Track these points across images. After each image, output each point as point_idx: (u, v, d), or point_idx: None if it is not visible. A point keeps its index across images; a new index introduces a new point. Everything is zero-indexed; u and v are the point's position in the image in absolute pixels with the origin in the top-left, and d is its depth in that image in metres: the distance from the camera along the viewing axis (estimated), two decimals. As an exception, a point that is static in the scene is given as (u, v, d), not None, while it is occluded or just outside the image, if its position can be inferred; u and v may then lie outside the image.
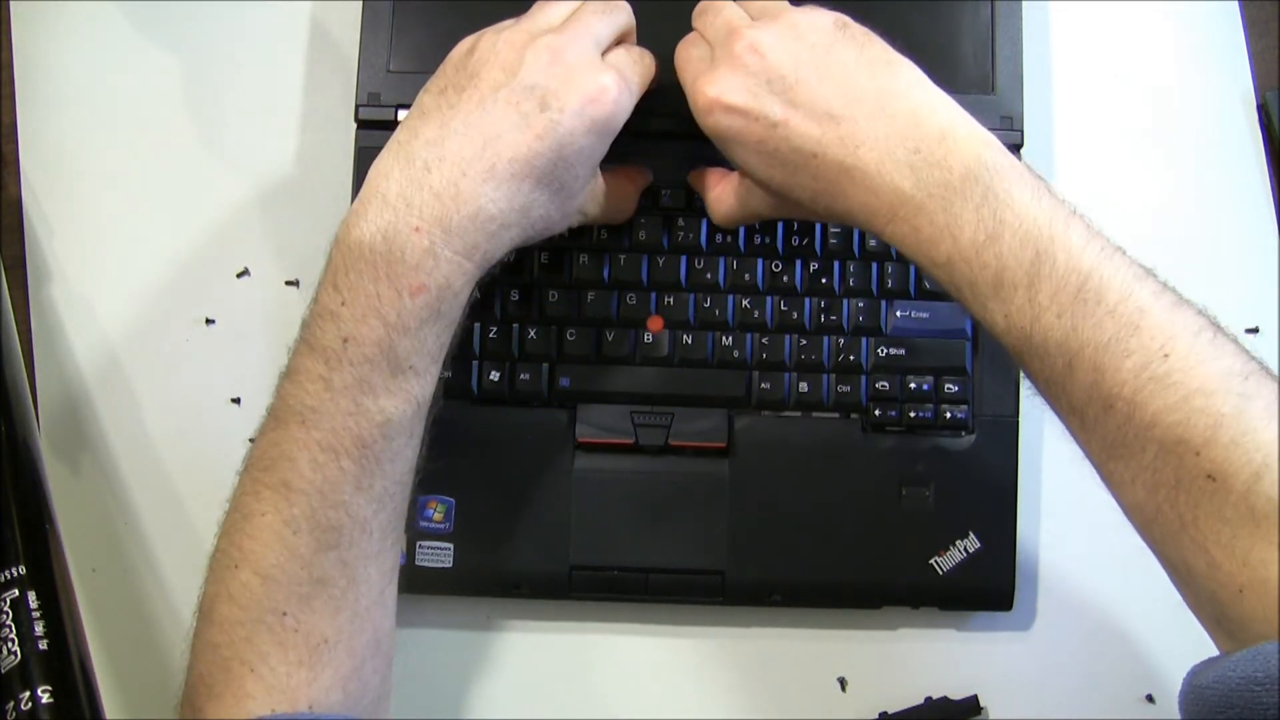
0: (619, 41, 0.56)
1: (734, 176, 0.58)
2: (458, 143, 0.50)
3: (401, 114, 0.63)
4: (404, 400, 0.50)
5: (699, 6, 0.57)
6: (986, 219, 0.48)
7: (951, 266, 0.49)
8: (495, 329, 0.63)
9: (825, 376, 0.63)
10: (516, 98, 0.50)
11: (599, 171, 0.55)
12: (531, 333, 0.63)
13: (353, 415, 0.49)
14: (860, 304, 0.63)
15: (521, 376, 0.62)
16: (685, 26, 0.58)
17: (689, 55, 0.56)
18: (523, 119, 0.50)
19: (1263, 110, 0.69)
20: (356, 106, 0.64)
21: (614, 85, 0.51)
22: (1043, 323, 0.47)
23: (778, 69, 0.51)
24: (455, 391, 0.62)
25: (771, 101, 0.51)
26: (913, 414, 0.62)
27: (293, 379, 0.50)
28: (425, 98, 0.52)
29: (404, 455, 0.51)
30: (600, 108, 0.51)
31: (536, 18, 0.54)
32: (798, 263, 0.63)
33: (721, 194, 0.59)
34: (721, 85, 0.52)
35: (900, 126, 0.50)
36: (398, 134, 0.51)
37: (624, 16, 0.56)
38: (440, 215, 0.49)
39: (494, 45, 0.52)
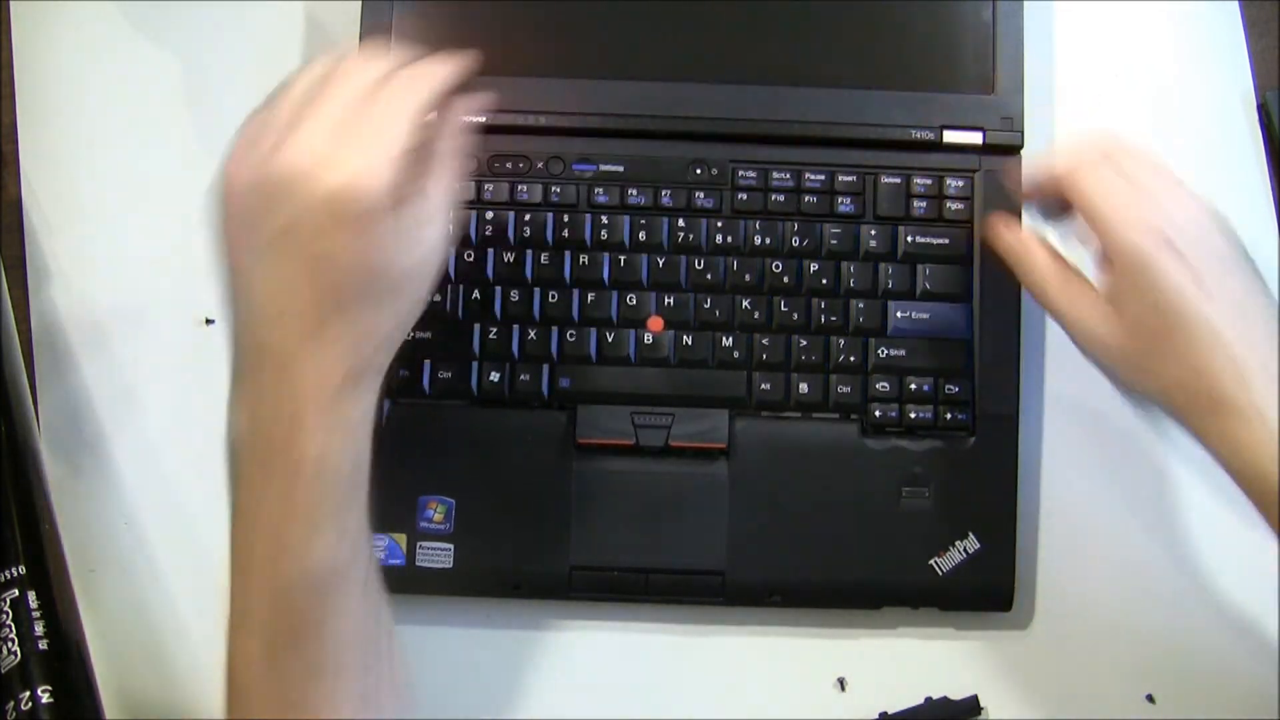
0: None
1: (1095, 295, 0.56)
2: (261, 319, 0.49)
3: (401, 114, 0.64)
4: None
5: (1102, 143, 0.56)
6: None
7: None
8: (495, 330, 0.63)
9: (825, 377, 0.63)
10: (280, 252, 0.48)
11: (407, 211, 0.49)
12: (531, 334, 0.63)
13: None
14: (860, 304, 0.63)
15: (521, 377, 0.62)
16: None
17: (1110, 180, 0.54)
18: (297, 272, 0.48)
19: (1263, 110, 0.69)
20: (356, 106, 0.64)
21: (352, 171, 0.47)
22: None
23: (1217, 250, 0.53)
24: (455, 392, 0.62)
25: (1201, 265, 0.52)
26: (913, 415, 0.62)
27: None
28: (224, 281, 0.51)
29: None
30: (353, 209, 0.47)
31: (262, 123, 0.50)
32: (798, 263, 0.63)
33: (1089, 310, 0.56)
34: (1172, 228, 0.52)
35: (1264, 332, 0.52)
36: (230, 332, 0.51)
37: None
38: (286, 391, 0.49)
39: (240, 201, 0.49)
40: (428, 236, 0.50)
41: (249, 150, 0.49)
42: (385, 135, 0.48)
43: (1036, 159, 0.60)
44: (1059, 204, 0.57)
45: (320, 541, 0.48)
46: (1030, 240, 0.59)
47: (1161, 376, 0.53)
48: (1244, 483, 0.52)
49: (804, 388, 0.63)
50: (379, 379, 0.50)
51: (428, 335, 0.62)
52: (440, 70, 0.52)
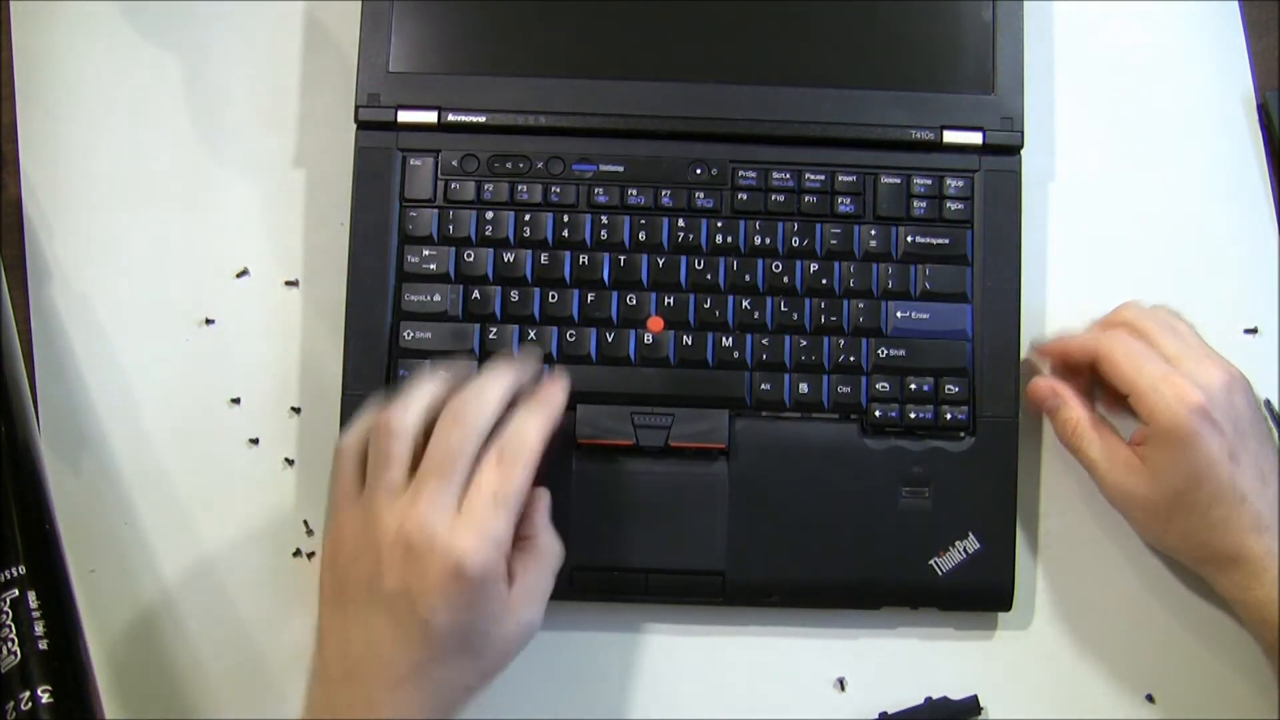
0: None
1: (1128, 451, 0.59)
2: (356, 657, 0.53)
3: (402, 115, 0.64)
4: None
5: (1128, 315, 0.61)
6: None
7: None
8: (495, 329, 0.63)
9: (825, 378, 0.63)
10: (387, 608, 0.52)
11: (509, 589, 0.54)
12: (531, 334, 0.63)
13: None
14: (860, 305, 0.63)
15: (521, 377, 0.62)
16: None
17: (1142, 355, 0.58)
18: (399, 628, 0.52)
19: (1263, 110, 0.69)
20: (356, 107, 0.64)
21: (469, 555, 0.51)
22: None
23: (1243, 416, 0.57)
24: (455, 392, 0.62)
25: (1231, 434, 0.56)
26: (913, 415, 0.62)
27: None
28: (323, 609, 0.55)
29: None
30: (464, 585, 0.52)
31: (380, 484, 0.54)
32: (798, 264, 0.63)
33: (1121, 464, 0.59)
34: (1209, 396, 0.56)
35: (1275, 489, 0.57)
36: (316, 646, 0.55)
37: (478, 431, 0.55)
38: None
39: (354, 549, 0.54)
40: (525, 616, 0.55)
41: (363, 498, 0.54)
42: (498, 515, 0.53)
43: (1067, 334, 0.63)
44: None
45: None
46: (1067, 394, 0.62)
47: (1184, 530, 0.58)
48: (1255, 629, 0.58)
49: (804, 388, 0.63)
50: (454, 715, 0.54)
51: (428, 335, 0.62)
52: (543, 412, 0.56)
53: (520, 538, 0.56)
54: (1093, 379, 0.63)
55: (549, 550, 0.57)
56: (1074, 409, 0.61)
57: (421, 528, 0.52)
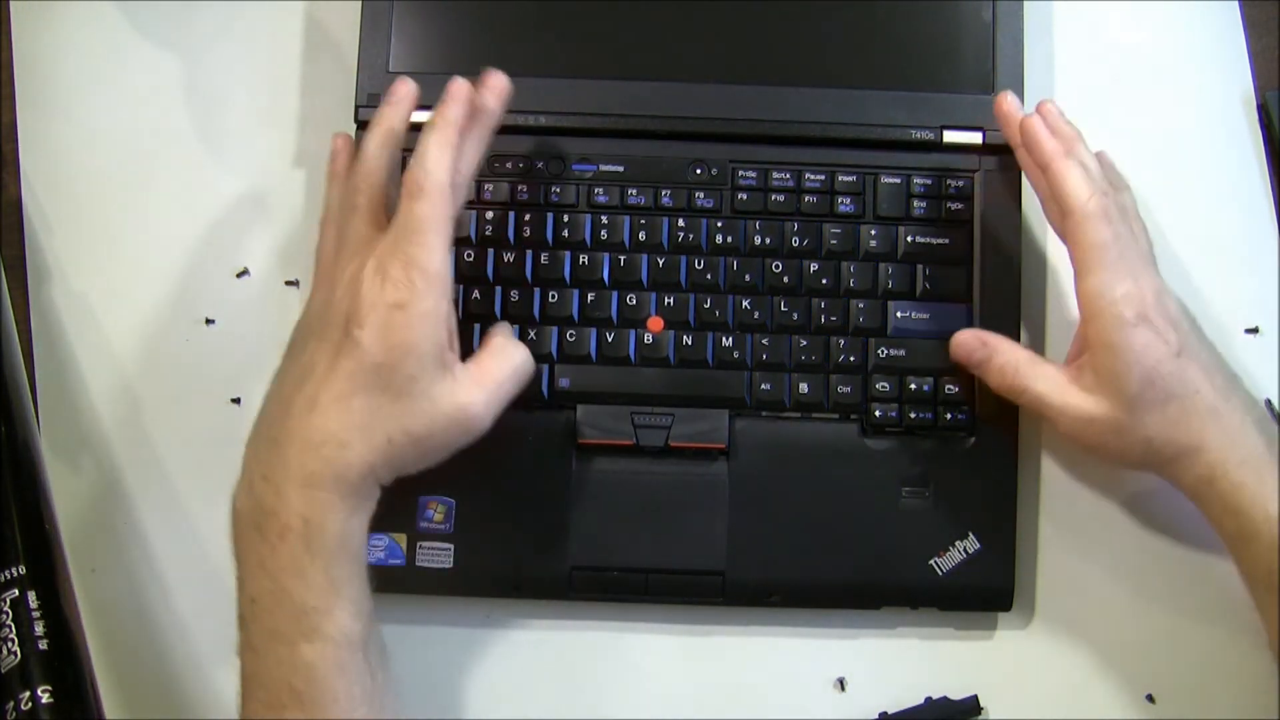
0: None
1: (1071, 372, 0.58)
2: (279, 386, 0.54)
3: (401, 114, 0.64)
4: (322, 642, 0.51)
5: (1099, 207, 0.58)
6: None
7: None
8: (495, 329, 0.63)
9: (825, 377, 0.63)
10: (328, 331, 0.53)
11: (453, 363, 0.54)
12: (531, 334, 0.63)
13: (280, 667, 0.51)
14: (861, 305, 0.63)
15: (521, 377, 0.62)
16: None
17: (1102, 233, 0.56)
18: (331, 348, 0.53)
19: (1263, 110, 0.69)
20: (356, 107, 0.64)
21: (408, 296, 0.52)
22: None
23: (1179, 318, 0.57)
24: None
25: (1174, 337, 0.56)
26: (913, 415, 0.62)
27: (239, 655, 0.53)
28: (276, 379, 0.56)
29: (350, 693, 0.51)
30: (398, 315, 0.52)
31: (347, 235, 0.56)
32: (798, 263, 0.63)
33: (1064, 386, 0.58)
34: (1143, 301, 0.55)
35: (1244, 397, 0.57)
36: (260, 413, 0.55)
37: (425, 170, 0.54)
38: (278, 458, 0.52)
39: (318, 301, 0.56)
40: (463, 396, 0.54)
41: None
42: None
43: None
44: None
45: (342, 610, 0.51)
46: (995, 340, 0.61)
47: (1145, 435, 0.56)
48: (1219, 520, 0.56)
49: (804, 388, 0.63)
50: (355, 499, 0.53)
51: (428, 335, 0.62)
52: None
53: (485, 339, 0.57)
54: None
55: (508, 351, 0.57)
56: (1007, 352, 0.60)
57: (376, 265, 0.53)
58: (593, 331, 0.63)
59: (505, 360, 0.56)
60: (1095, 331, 0.56)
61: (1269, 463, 0.55)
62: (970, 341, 0.61)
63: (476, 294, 0.63)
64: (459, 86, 0.56)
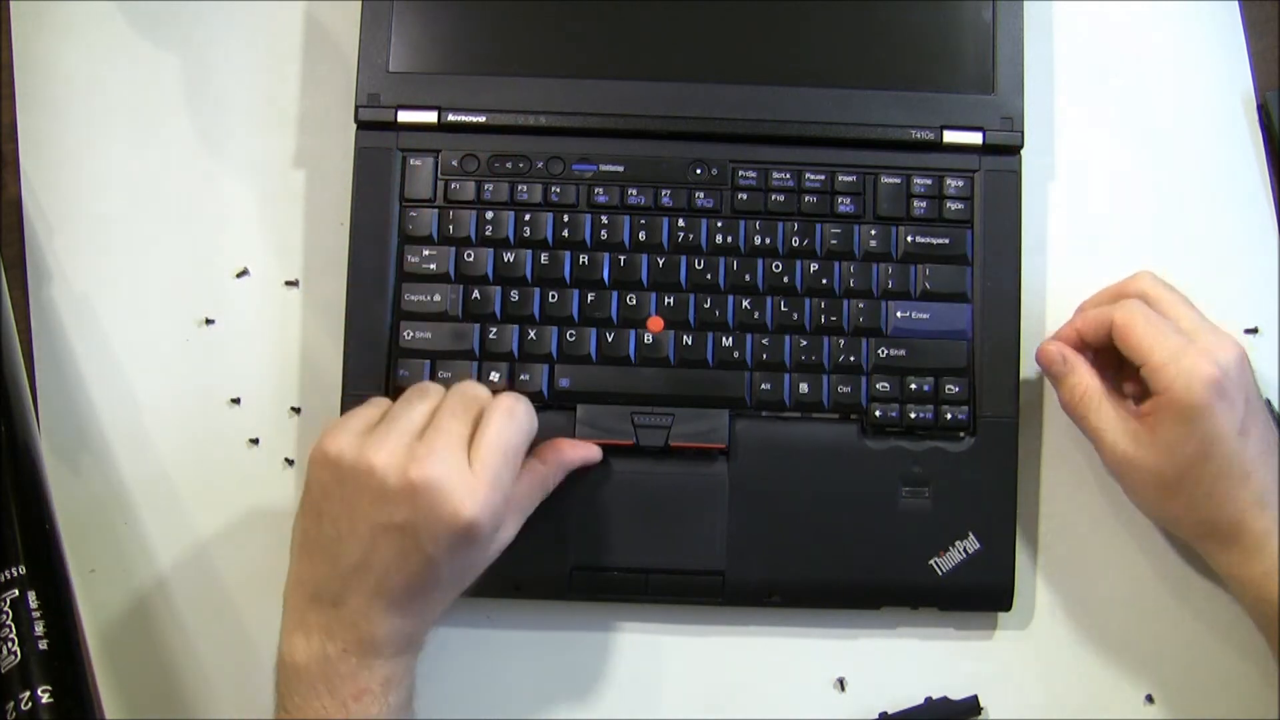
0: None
1: (1135, 422, 0.59)
2: (357, 578, 0.54)
3: (402, 115, 0.64)
4: None
5: (1150, 285, 0.60)
6: None
7: None
8: (495, 330, 0.63)
9: (825, 377, 0.63)
10: (393, 535, 0.53)
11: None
12: (531, 333, 0.63)
13: None
14: (860, 305, 0.63)
15: (521, 377, 0.62)
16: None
17: (1158, 325, 0.58)
18: (402, 554, 0.53)
19: (1263, 110, 0.69)
20: (356, 106, 0.64)
21: (469, 500, 0.53)
22: None
23: (1253, 393, 0.58)
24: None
25: (1245, 413, 0.57)
26: (913, 415, 0.62)
27: None
28: (308, 526, 0.55)
29: None
30: (473, 535, 0.53)
31: (400, 421, 0.55)
32: (798, 263, 0.63)
33: (1124, 432, 0.59)
34: (1225, 372, 0.56)
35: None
36: (295, 566, 0.56)
37: (480, 408, 0.56)
38: (360, 638, 0.54)
39: (360, 475, 0.53)
40: (505, 536, 0.57)
41: (362, 437, 0.54)
42: (505, 468, 0.54)
43: (1087, 313, 0.62)
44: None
45: None
46: (1076, 360, 0.61)
47: (1187, 503, 0.58)
48: (1252, 607, 0.58)
49: (804, 388, 0.63)
50: (422, 639, 0.57)
51: (428, 335, 0.62)
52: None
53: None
54: (1099, 355, 0.62)
55: (544, 477, 0.60)
56: (1083, 376, 0.60)
57: (434, 458, 0.53)
58: (593, 331, 0.63)
59: (540, 489, 0.60)
60: (1173, 387, 0.56)
61: None
62: (1054, 353, 0.61)
63: (476, 294, 0.63)
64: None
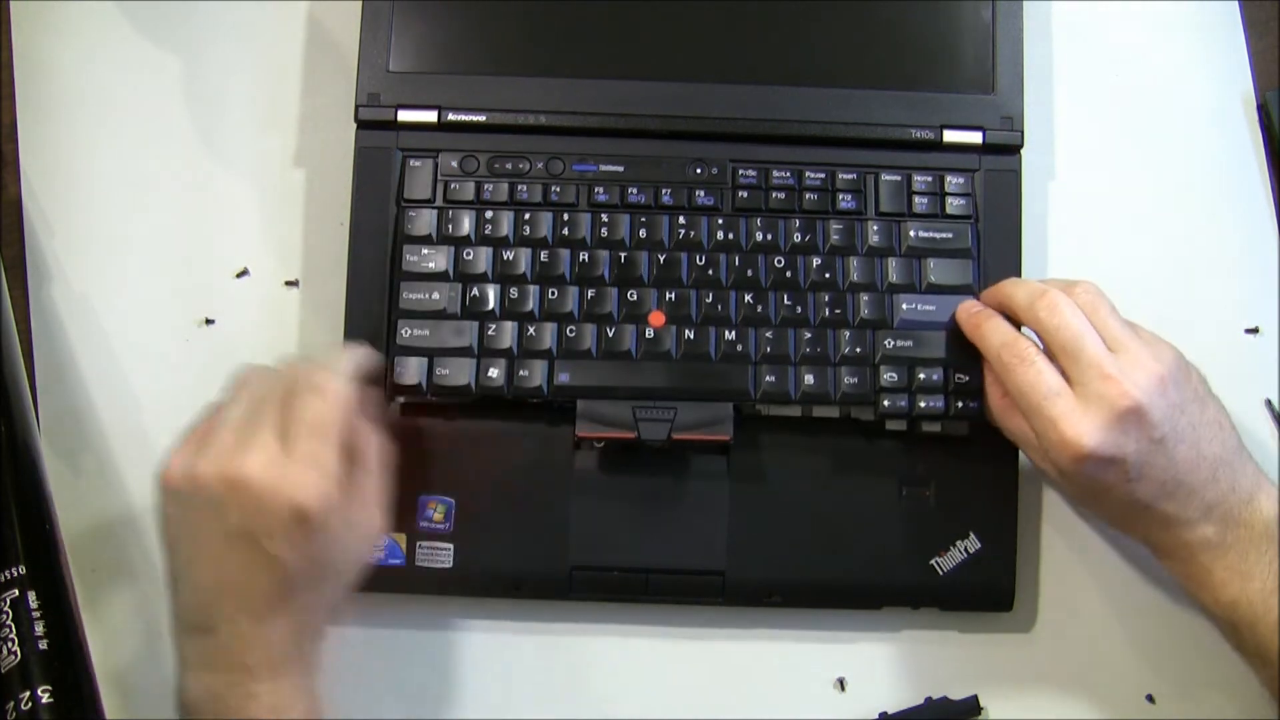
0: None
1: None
2: (219, 599, 0.52)
3: (402, 114, 0.64)
4: None
5: (1045, 303, 0.56)
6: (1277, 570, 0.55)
7: (1235, 607, 0.56)
8: (494, 327, 0.62)
9: (832, 370, 0.62)
10: (236, 544, 0.52)
11: (346, 507, 0.54)
12: (530, 330, 0.62)
13: None
14: (866, 298, 0.63)
15: (520, 373, 0.62)
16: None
17: (1037, 383, 0.56)
18: (250, 562, 0.52)
19: (1263, 110, 0.69)
20: (356, 106, 0.64)
21: (290, 488, 0.51)
22: None
23: (1154, 430, 0.54)
24: (454, 390, 0.62)
25: (1138, 455, 0.54)
26: (923, 404, 0.61)
27: None
28: (169, 559, 0.54)
29: None
30: (306, 524, 0.52)
31: (219, 423, 0.54)
32: (800, 259, 0.63)
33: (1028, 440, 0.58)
34: (1099, 438, 0.53)
35: (1222, 490, 0.56)
36: (170, 604, 0.54)
37: (286, 388, 0.55)
38: (237, 663, 0.52)
39: (195, 491, 0.52)
40: (366, 526, 0.56)
41: (194, 451, 0.53)
42: (324, 447, 0.53)
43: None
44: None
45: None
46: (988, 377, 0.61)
47: (1127, 529, 0.59)
48: (1218, 610, 0.57)
49: (810, 380, 0.62)
50: (322, 637, 0.55)
51: (426, 334, 0.62)
52: (345, 368, 0.57)
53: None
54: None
55: (371, 450, 0.57)
56: (994, 390, 0.60)
57: (252, 467, 0.51)
58: (593, 328, 0.62)
59: (373, 463, 0.57)
60: (1048, 456, 0.56)
61: (1224, 550, 0.55)
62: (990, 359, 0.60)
63: (475, 292, 0.63)
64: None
